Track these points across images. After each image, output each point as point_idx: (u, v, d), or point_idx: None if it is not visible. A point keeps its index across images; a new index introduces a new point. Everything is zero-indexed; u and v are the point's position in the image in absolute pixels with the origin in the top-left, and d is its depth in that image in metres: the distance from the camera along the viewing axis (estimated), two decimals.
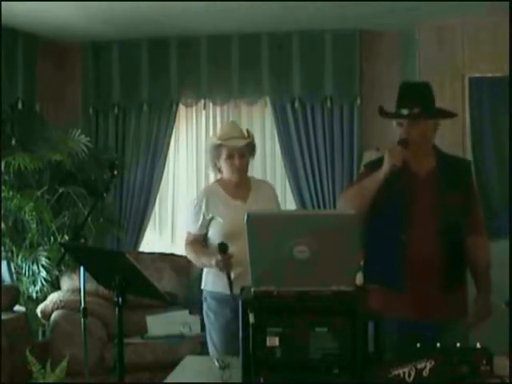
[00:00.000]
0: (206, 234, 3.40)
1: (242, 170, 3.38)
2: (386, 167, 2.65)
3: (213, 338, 3.39)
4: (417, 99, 2.74)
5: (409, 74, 5.11)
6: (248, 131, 3.50)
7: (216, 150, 3.37)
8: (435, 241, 2.70)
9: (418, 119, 2.71)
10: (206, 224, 3.37)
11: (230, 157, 3.34)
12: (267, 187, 3.56)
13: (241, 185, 3.41)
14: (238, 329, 3.22)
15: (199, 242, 3.40)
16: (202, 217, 3.37)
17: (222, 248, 3.15)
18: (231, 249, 3.22)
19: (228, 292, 3.19)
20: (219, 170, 3.45)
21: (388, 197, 2.66)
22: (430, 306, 2.69)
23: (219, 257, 3.14)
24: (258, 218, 2.12)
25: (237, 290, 3.16)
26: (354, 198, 2.71)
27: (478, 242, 2.86)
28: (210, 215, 3.36)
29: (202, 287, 3.45)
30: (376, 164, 2.77)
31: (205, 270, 3.43)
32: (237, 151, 3.33)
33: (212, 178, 5.50)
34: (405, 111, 2.72)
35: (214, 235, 3.36)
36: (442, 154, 2.87)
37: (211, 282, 3.39)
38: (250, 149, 3.42)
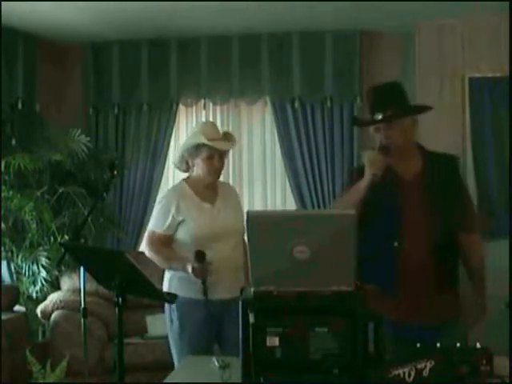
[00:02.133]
0: (172, 235, 3.29)
1: (218, 172, 3.31)
2: (366, 178, 2.62)
3: (181, 342, 3.29)
4: (389, 101, 2.69)
5: (409, 74, 5.11)
6: (229, 133, 3.46)
7: (196, 148, 3.26)
8: (428, 244, 2.66)
9: (394, 120, 2.66)
10: (175, 226, 3.26)
11: (209, 157, 3.25)
12: (232, 191, 3.53)
13: (209, 187, 3.33)
14: (210, 333, 3.24)
15: (164, 243, 3.27)
16: (170, 218, 3.25)
17: (200, 256, 3.08)
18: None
19: (199, 297, 3.12)
20: (188, 169, 3.36)
21: (377, 204, 2.61)
22: (424, 310, 2.65)
23: (196, 265, 3.07)
24: (258, 217, 2.11)
25: (209, 296, 3.10)
26: None
27: (471, 240, 2.81)
28: (181, 218, 3.24)
29: (165, 289, 3.29)
30: (360, 172, 2.72)
31: (168, 274, 3.32)
32: (218, 153, 3.26)
33: None
34: (379, 115, 2.67)
35: (185, 238, 3.25)
36: (427, 153, 2.81)
37: (178, 286, 3.25)
38: (227, 151, 3.39)
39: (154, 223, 3.32)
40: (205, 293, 3.10)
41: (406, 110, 2.72)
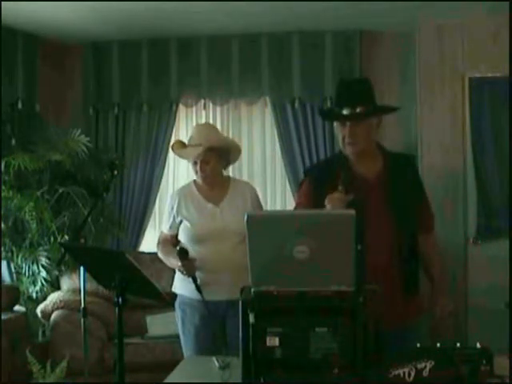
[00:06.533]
0: (177, 235, 3.36)
1: (205, 176, 3.27)
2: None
3: (183, 342, 3.34)
4: (358, 98, 2.63)
5: (409, 74, 5.11)
6: (217, 134, 3.41)
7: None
8: (391, 246, 2.63)
9: (362, 119, 2.62)
10: (176, 226, 3.32)
11: (194, 163, 3.28)
12: (246, 189, 3.40)
13: (215, 187, 3.32)
14: (206, 336, 3.22)
15: (169, 241, 3.35)
16: (172, 218, 3.33)
17: (181, 254, 3.12)
18: (200, 252, 3.19)
19: (195, 297, 3.16)
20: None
21: None
22: (388, 315, 2.47)
23: (180, 262, 3.12)
24: (258, 218, 2.11)
25: (205, 297, 3.10)
26: None
27: (429, 240, 2.80)
28: (179, 218, 3.30)
29: (173, 289, 3.38)
30: (319, 172, 2.69)
31: (177, 273, 3.35)
32: (198, 158, 3.23)
33: None
34: (346, 111, 2.61)
35: (184, 238, 3.30)
36: (387, 153, 2.79)
37: (179, 285, 3.33)
38: (216, 153, 3.26)
39: (163, 224, 3.43)
40: (198, 290, 3.11)
41: (374, 110, 2.67)
